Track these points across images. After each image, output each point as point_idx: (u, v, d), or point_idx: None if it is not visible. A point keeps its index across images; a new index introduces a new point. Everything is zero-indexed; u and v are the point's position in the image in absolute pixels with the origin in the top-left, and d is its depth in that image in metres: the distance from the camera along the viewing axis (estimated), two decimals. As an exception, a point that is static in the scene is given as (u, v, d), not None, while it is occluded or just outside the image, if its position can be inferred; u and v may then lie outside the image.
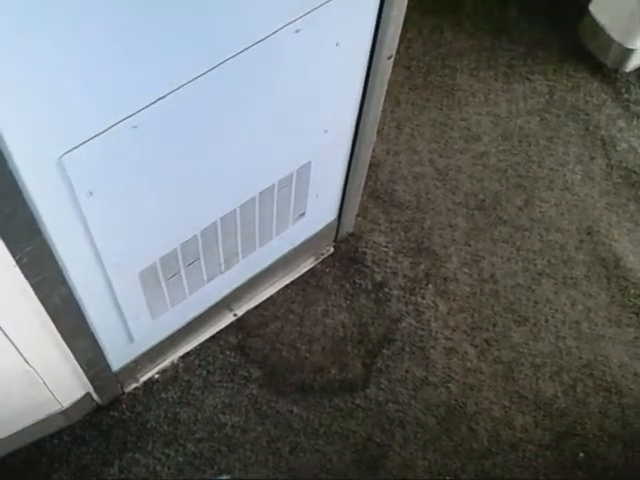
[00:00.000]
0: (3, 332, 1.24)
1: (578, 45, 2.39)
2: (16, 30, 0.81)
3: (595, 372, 1.86)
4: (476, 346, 1.87)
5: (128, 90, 1.01)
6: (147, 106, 1.04)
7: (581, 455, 1.76)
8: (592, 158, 2.19)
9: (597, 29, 2.31)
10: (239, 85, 1.17)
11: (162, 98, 1.05)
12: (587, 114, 2.27)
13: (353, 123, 1.54)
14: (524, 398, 1.81)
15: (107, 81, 0.96)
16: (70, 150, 1.00)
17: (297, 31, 1.16)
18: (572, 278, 1.98)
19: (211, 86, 1.11)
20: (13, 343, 1.28)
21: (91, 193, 1.09)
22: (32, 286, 1.15)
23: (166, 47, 1.00)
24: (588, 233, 2.06)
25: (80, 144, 1.00)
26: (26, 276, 1.12)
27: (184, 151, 1.20)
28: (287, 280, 1.90)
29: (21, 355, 1.33)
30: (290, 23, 1.14)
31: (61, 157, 1.00)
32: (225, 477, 1.66)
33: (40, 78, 0.88)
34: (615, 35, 2.27)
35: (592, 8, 2.32)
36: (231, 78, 1.13)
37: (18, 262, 1.08)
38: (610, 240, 2.05)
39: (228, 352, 1.81)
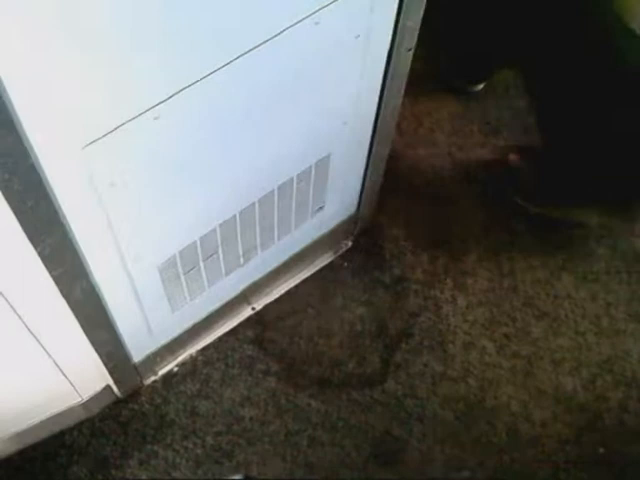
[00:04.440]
0: (24, 324, 1.24)
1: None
2: (37, 25, 0.81)
3: (615, 367, 1.84)
4: (495, 341, 1.86)
5: (150, 81, 1.01)
6: (169, 97, 1.04)
7: (601, 450, 1.75)
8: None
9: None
10: (259, 77, 1.17)
11: (184, 89, 1.05)
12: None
13: (373, 116, 1.54)
14: (543, 393, 1.80)
15: (129, 72, 0.96)
16: (93, 141, 1.00)
17: (317, 23, 1.16)
18: (592, 272, 1.97)
19: (232, 78, 1.11)
20: (34, 335, 1.29)
21: (113, 184, 1.09)
22: (53, 278, 1.15)
23: (187, 39, 0.99)
24: (608, 227, 2.04)
25: (103, 135, 1.00)
26: (47, 268, 1.12)
27: (205, 143, 1.20)
28: (306, 274, 1.90)
29: (42, 347, 1.34)
30: (310, 15, 1.13)
31: (83, 148, 1.00)
32: (238, 477, 1.66)
33: (63, 69, 0.88)
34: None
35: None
36: (252, 70, 1.13)
37: (39, 254, 1.08)
38: (630, 235, 2.03)
39: (246, 345, 1.81)
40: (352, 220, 1.89)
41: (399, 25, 1.31)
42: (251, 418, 1.73)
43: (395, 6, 1.27)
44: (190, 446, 1.70)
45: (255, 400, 1.75)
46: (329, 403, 1.76)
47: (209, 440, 1.70)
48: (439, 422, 1.76)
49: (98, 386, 1.63)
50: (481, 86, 2.23)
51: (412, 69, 1.46)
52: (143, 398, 1.74)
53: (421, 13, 1.31)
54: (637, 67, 1.57)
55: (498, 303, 1.91)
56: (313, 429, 1.73)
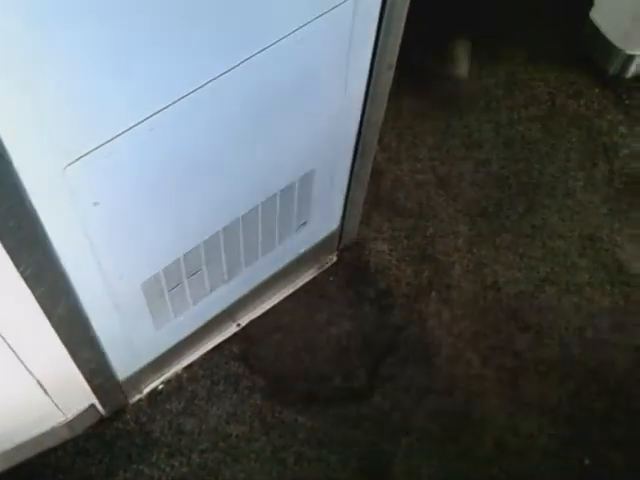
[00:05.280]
0: (7, 343, 1.23)
1: (579, 52, 2.39)
2: (23, 36, 0.81)
3: (600, 378, 1.85)
4: (480, 353, 1.86)
5: (130, 101, 1.01)
6: (148, 117, 1.04)
7: (587, 461, 1.75)
8: (594, 164, 2.19)
9: (598, 36, 2.31)
10: (241, 95, 1.17)
11: (163, 109, 1.05)
12: (589, 120, 2.27)
13: (355, 132, 1.54)
14: (529, 405, 1.81)
15: (109, 93, 0.97)
16: (74, 161, 1.00)
17: (298, 41, 1.16)
18: (575, 284, 1.98)
19: (214, 96, 1.11)
20: (17, 355, 1.28)
21: (96, 204, 1.09)
22: (36, 297, 1.15)
23: (171, 57, 1.00)
24: (591, 239, 2.06)
25: (84, 154, 1.00)
26: (30, 287, 1.12)
27: (186, 162, 1.20)
28: (290, 289, 1.90)
29: (24, 366, 1.33)
30: (291, 33, 1.14)
31: (65, 168, 1.00)
32: None
33: (43, 89, 0.88)
34: (616, 41, 2.27)
35: (593, 14, 2.32)
36: (232, 88, 1.14)
37: (22, 274, 1.08)
38: (613, 246, 2.05)
39: (232, 362, 1.81)
40: (336, 235, 1.89)
41: (379, 43, 1.32)
42: (237, 435, 1.73)
43: (375, 24, 1.28)
44: (176, 464, 1.69)
45: (241, 417, 1.75)
46: (315, 419, 1.76)
47: (195, 458, 1.70)
48: (426, 436, 1.76)
49: (82, 405, 1.62)
50: (463, 68, 2.26)
51: (393, 83, 1.47)
52: (128, 416, 1.73)
53: (401, 30, 1.32)
54: None
55: (482, 316, 1.92)
56: (300, 445, 1.73)
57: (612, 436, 1.78)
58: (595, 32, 2.32)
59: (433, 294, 1.94)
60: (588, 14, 2.34)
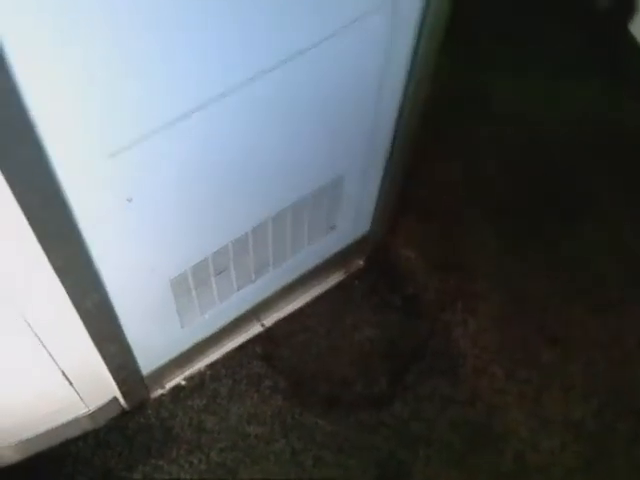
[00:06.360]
0: (35, 334, 1.25)
1: (618, 64, 2.36)
2: (75, 30, 0.81)
3: (625, 397, 1.82)
4: (505, 366, 1.84)
5: (167, 98, 1.01)
6: (186, 115, 1.04)
7: (609, 481, 1.73)
8: (630, 172, 2.15)
9: (637, 48, 2.28)
10: (279, 96, 1.17)
11: (201, 108, 1.06)
12: (627, 131, 2.24)
13: (390, 135, 1.53)
14: (552, 421, 1.78)
15: (145, 92, 0.97)
16: (110, 156, 1.00)
17: (333, 40, 1.16)
18: (605, 298, 1.95)
19: (252, 96, 1.11)
20: (44, 345, 1.29)
21: (130, 200, 1.09)
22: (66, 290, 1.15)
23: (210, 58, 1.00)
24: (625, 251, 2.02)
25: (120, 150, 1.01)
26: (61, 280, 1.13)
27: (222, 161, 1.20)
28: (316, 292, 1.90)
29: (51, 357, 1.34)
30: (329, 37, 1.14)
31: (102, 163, 1.00)
32: None
33: (83, 84, 0.89)
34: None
35: (632, 28, 2.29)
36: (272, 89, 1.13)
37: (53, 264, 1.09)
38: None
39: (255, 362, 1.81)
40: (365, 240, 1.88)
41: (420, 47, 1.31)
42: (257, 435, 1.73)
43: (413, 32, 1.27)
44: (195, 461, 1.69)
45: (262, 417, 1.75)
46: (336, 423, 1.75)
47: (214, 456, 1.70)
48: (445, 446, 1.75)
49: (105, 397, 1.63)
50: None
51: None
52: (149, 411, 1.74)
53: (439, 40, 1.31)
54: None
55: (509, 328, 1.90)
56: (319, 449, 1.72)
57: (636, 456, 1.75)
58: (634, 45, 2.29)
59: (459, 303, 1.92)
60: (627, 27, 2.31)
